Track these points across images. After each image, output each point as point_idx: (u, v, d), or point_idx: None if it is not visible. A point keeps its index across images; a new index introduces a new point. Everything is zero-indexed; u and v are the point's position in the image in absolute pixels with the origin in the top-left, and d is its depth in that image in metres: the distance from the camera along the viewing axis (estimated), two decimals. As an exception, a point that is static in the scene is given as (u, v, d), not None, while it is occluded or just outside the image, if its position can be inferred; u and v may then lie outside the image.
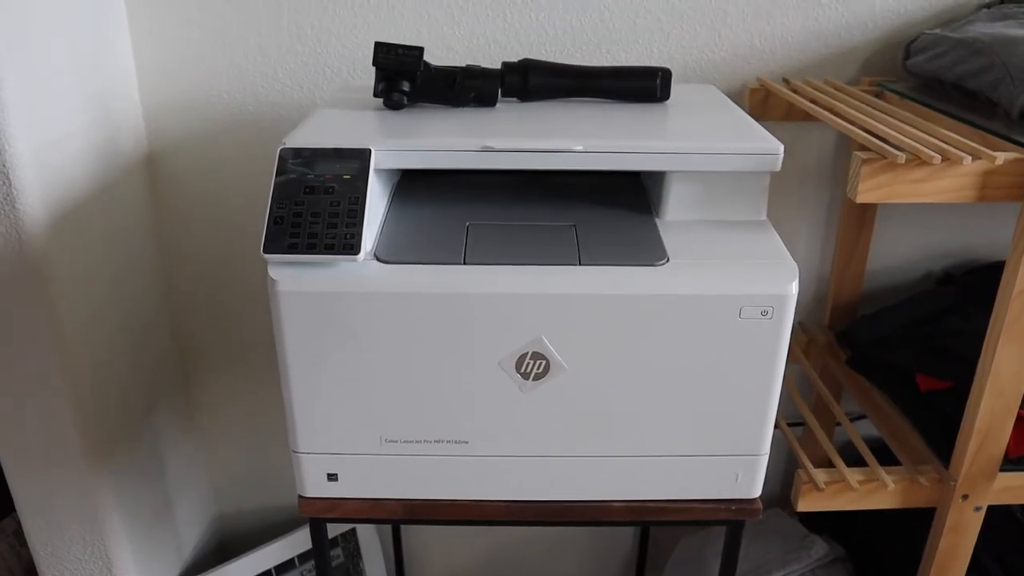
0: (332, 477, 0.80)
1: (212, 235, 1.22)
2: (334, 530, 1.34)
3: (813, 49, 1.11)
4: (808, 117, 0.99)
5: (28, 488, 1.06)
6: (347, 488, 0.80)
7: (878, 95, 1.06)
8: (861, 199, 0.78)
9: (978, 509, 0.95)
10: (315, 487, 0.80)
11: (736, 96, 1.11)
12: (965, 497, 0.94)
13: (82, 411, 1.01)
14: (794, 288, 0.71)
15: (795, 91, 1.05)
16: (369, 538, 1.38)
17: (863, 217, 1.17)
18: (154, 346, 1.21)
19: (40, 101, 0.89)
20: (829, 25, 1.10)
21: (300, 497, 0.82)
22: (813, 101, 1.00)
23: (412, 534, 1.47)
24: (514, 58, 0.93)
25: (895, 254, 1.24)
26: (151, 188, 1.17)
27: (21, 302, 0.92)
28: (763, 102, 1.09)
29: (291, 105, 1.13)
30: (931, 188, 0.79)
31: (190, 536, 1.35)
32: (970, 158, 0.76)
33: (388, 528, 1.42)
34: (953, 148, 0.78)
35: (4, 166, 0.85)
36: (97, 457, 1.05)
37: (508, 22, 1.09)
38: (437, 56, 1.09)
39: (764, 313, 0.72)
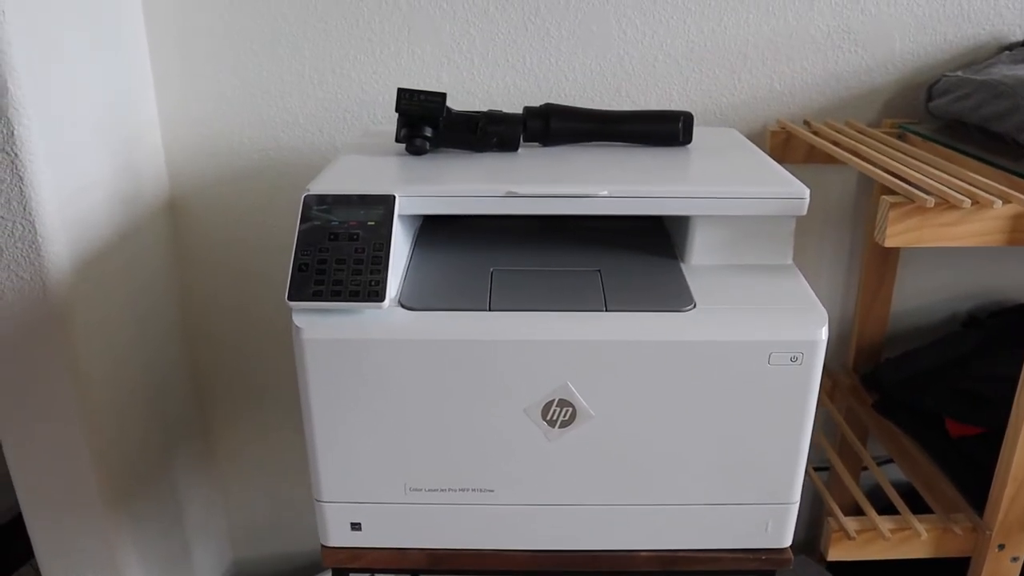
0: (356, 526, 0.79)
1: (233, 280, 1.22)
2: (352, 577, 1.33)
3: (833, 91, 1.11)
4: (829, 159, 0.99)
5: (47, 533, 1.05)
6: (371, 537, 0.79)
7: (900, 137, 1.06)
8: (890, 243, 0.77)
9: (1015, 560, 0.92)
10: (338, 536, 0.79)
11: (756, 138, 1.11)
12: (1001, 547, 0.91)
13: (103, 456, 1.00)
14: (824, 333, 0.70)
15: (816, 133, 1.05)
16: (387, 585, 1.37)
17: (886, 259, 1.16)
18: (174, 391, 1.20)
19: (66, 150, 0.90)
20: (849, 67, 1.10)
21: (323, 547, 0.80)
22: (835, 143, 1.00)
23: (431, 581, 1.45)
24: (533, 102, 0.93)
25: (919, 296, 1.23)
26: (173, 234, 1.17)
27: (45, 347, 0.92)
28: (784, 144, 1.09)
29: (312, 150, 1.14)
30: (960, 232, 0.78)
31: (207, 583, 1.33)
32: (1000, 202, 0.75)
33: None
34: (982, 192, 0.77)
35: (30, 214, 0.86)
36: (116, 502, 1.04)
37: (528, 66, 1.09)
38: (457, 100, 1.09)
39: (794, 359, 0.71)
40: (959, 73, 1.02)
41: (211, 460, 1.34)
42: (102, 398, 0.99)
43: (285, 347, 1.26)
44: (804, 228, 1.18)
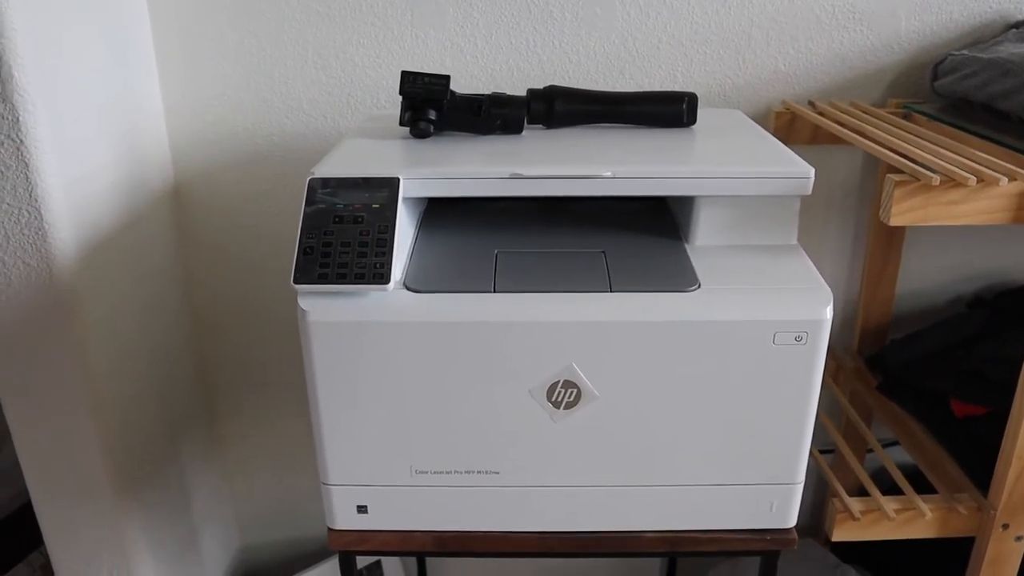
0: (362, 509, 0.79)
1: (238, 266, 1.22)
2: (359, 562, 1.33)
3: (838, 72, 1.11)
4: (833, 140, 0.99)
5: (56, 521, 1.05)
6: (377, 520, 0.79)
7: (905, 116, 1.05)
8: (895, 222, 0.77)
9: (1019, 539, 0.93)
10: (345, 520, 0.80)
11: (761, 119, 1.10)
12: (1005, 526, 0.92)
13: (110, 444, 1.01)
14: (829, 313, 0.70)
15: (821, 114, 1.05)
16: (394, 570, 1.37)
17: (891, 240, 1.16)
18: (180, 378, 1.21)
19: (71, 137, 0.90)
20: (854, 47, 1.10)
21: (330, 530, 0.81)
22: (840, 124, 0.99)
23: (437, 563, 1.46)
24: (537, 84, 0.93)
25: (924, 277, 1.23)
26: (177, 221, 1.18)
27: (51, 335, 0.93)
28: (788, 125, 1.09)
29: (316, 136, 1.14)
30: (966, 210, 0.78)
31: (215, 569, 1.34)
32: (1006, 179, 0.75)
33: (414, 559, 1.41)
34: (988, 169, 0.77)
35: (36, 200, 0.86)
36: (124, 490, 1.04)
37: (531, 49, 1.09)
38: (460, 84, 1.09)
39: (798, 339, 0.71)
40: (965, 52, 1.02)
41: (217, 447, 1.35)
42: (109, 385, 1.00)
43: (290, 333, 1.26)
44: (809, 209, 1.18)
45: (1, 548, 1.33)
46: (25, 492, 1.03)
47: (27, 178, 0.85)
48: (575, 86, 0.93)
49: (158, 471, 1.13)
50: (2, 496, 1.37)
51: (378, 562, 1.35)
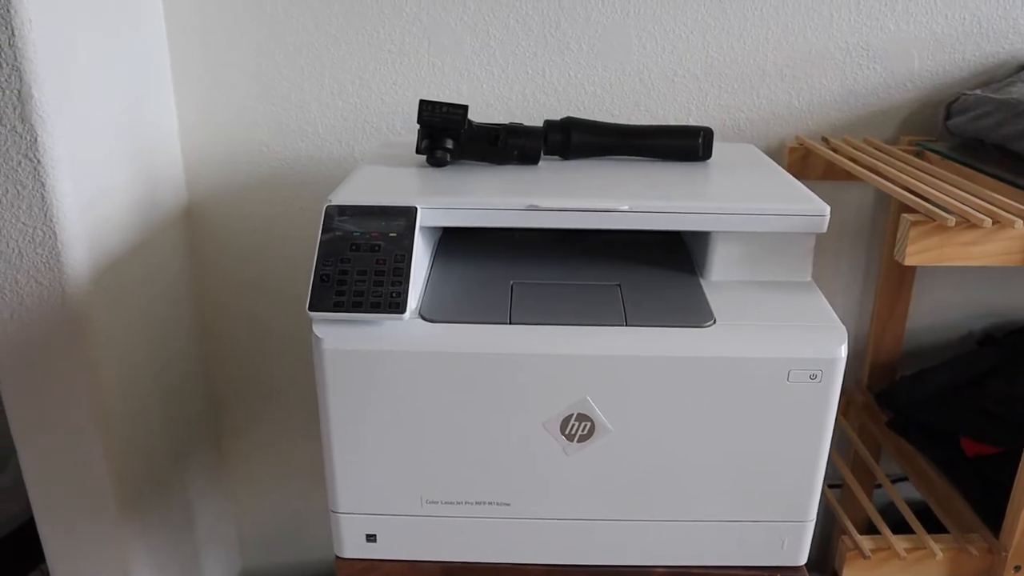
0: (371, 538, 0.79)
1: (248, 289, 1.22)
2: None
3: (851, 108, 1.12)
4: (846, 176, 0.99)
5: (59, 540, 1.05)
6: (386, 549, 0.79)
7: (918, 155, 1.06)
8: (910, 262, 0.77)
9: (1032, 581, 0.92)
10: (353, 548, 0.79)
11: (774, 154, 1.11)
12: (1017, 568, 0.91)
13: (116, 463, 1.00)
14: (843, 352, 0.70)
15: (835, 150, 1.05)
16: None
17: (903, 276, 1.16)
18: (188, 399, 1.21)
19: (87, 157, 0.90)
20: (867, 85, 1.10)
21: (337, 558, 0.80)
22: (853, 160, 1.00)
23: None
24: (553, 115, 0.93)
25: (935, 313, 1.23)
26: (190, 241, 1.18)
27: (62, 353, 0.93)
28: (802, 160, 1.09)
29: (330, 160, 1.14)
30: (980, 251, 0.78)
31: (216, 590, 1.33)
32: (1021, 221, 0.75)
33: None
34: (1003, 211, 0.77)
35: (51, 220, 0.86)
36: (129, 509, 1.04)
37: (547, 79, 1.10)
38: (476, 112, 1.10)
39: (813, 377, 0.71)
40: (978, 92, 1.02)
41: (222, 468, 1.34)
42: (118, 404, 1.00)
43: (299, 356, 1.26)
44: (820, 243, 1.17)
45: (1, 566, 1.33)
46: (27, 510, 1.02)
47: (43, 198, 0.85)
48: (590, 117, 0.93)
49: (163, 491, 1.13)
50: (4, 513, 1.36)
51: (380, 588, 1.34)
